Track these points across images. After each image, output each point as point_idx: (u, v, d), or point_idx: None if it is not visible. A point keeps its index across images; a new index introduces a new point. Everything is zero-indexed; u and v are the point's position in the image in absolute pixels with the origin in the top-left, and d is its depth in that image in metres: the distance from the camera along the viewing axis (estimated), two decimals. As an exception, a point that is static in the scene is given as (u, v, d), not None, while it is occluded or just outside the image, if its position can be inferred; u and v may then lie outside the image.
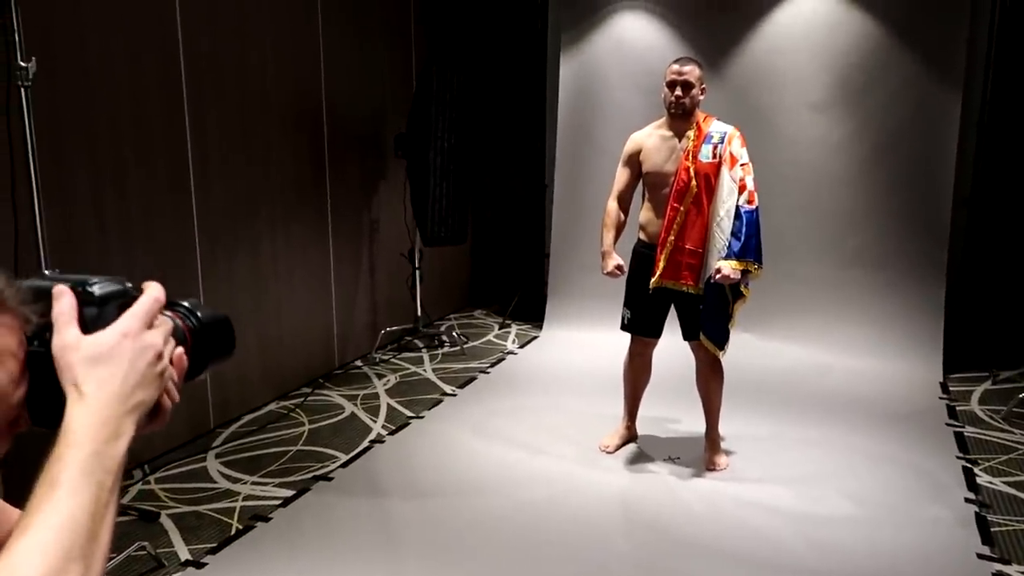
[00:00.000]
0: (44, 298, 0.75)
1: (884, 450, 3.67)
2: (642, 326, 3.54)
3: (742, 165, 3.29)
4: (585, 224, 5.62)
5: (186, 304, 0.85)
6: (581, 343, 5.28)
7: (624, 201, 3.58)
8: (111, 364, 0.72)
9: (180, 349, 0.81)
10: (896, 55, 4.89)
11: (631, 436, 3.76)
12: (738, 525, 3.03)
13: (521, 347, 5.38)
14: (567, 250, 5.68)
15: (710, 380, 3.48)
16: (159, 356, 0.77)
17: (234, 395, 4.09)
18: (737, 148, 3.31)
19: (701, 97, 3.37)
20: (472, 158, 5.39)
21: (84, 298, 0.75)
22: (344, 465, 3.56)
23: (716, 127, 3.36)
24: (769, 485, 3.34)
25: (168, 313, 0.81)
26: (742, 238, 3.22)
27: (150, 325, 0.76)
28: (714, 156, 3.29)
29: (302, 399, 4.39)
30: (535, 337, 5.56)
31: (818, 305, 5.08)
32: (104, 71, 3.25)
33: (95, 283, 0.76)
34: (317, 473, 3.47)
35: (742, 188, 3.26)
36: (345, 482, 3.40)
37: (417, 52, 5.58)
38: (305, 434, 3.92)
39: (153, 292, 0.77)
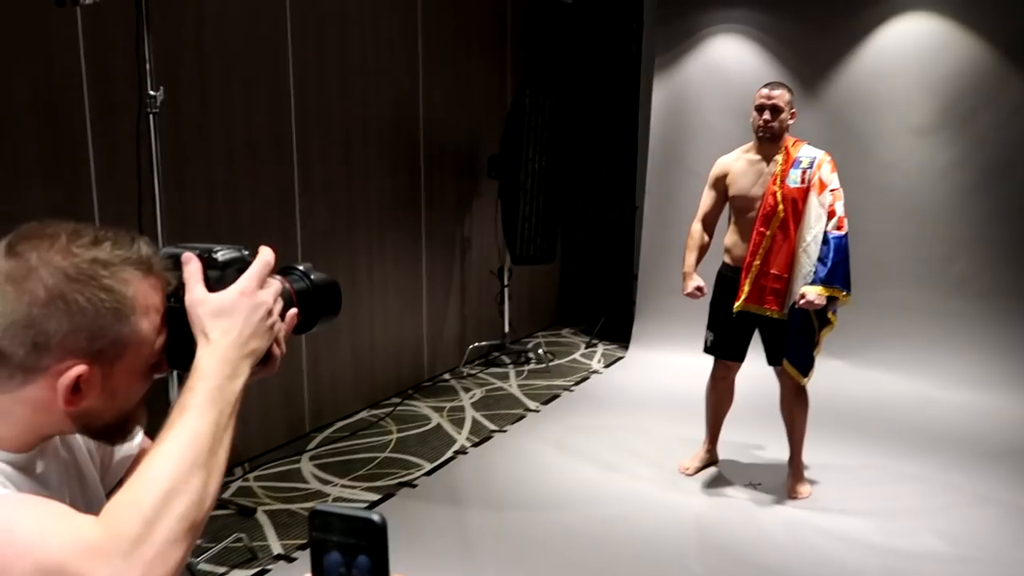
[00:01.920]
0: (180, 265, 0.91)
1: (982, 488, 3.52)
2: (724, 349, 3.54)
3: (832, 191, 3.25)
4: (674, 247, 5.62)
5: (301, 268, 1.01)
6: (666, 365, 5.28)
7: (709, 224, 3.60)
8: (231, 317, 0.89)
9: (293, 310, 0.97)
10: (1006, 79, 4.71)
11: (712, 460, 3.75)
12: (818, 556, 2.98)
13: (606, 367, 5.41)
14: (655, 272, 5.69)
15: (794, 407, 3.44)
16: (269, 312, 0.93)
17: (328, 402, 4.31)
18: (827, 173, 3.27)
19: (791, 121, 3.36)
20: (562, 179, 5.50)
21: (209, 263, 0.91)
22: (428, 473, 3.69)
23: (805, 152, 3.34)
24: (853, 517, 3.26)
25: (278, 277, 0.97)
26: (828, 264, 3.18)
27: (262, 285, 0.93)
28: (803, 181, 3.28)
29: (392, 408, 4.57)
30: (620, 357, 5.59)
31: (917, 334, 4.91)
32: (222, 99, 3.54)
33: (218, 250, 0.92)
34: (402, 480, 3.62)
35: (831, 214, 3.23)
36: (428, 490, 3.53)
37: (512, 75, 5.74)
38: (393, 442, 4.09)
39: (264, 256, 0.94)
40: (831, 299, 3.21)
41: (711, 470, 3.71)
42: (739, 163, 3.48)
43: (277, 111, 3.84)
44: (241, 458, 3.74)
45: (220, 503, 3.31)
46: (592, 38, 6.39)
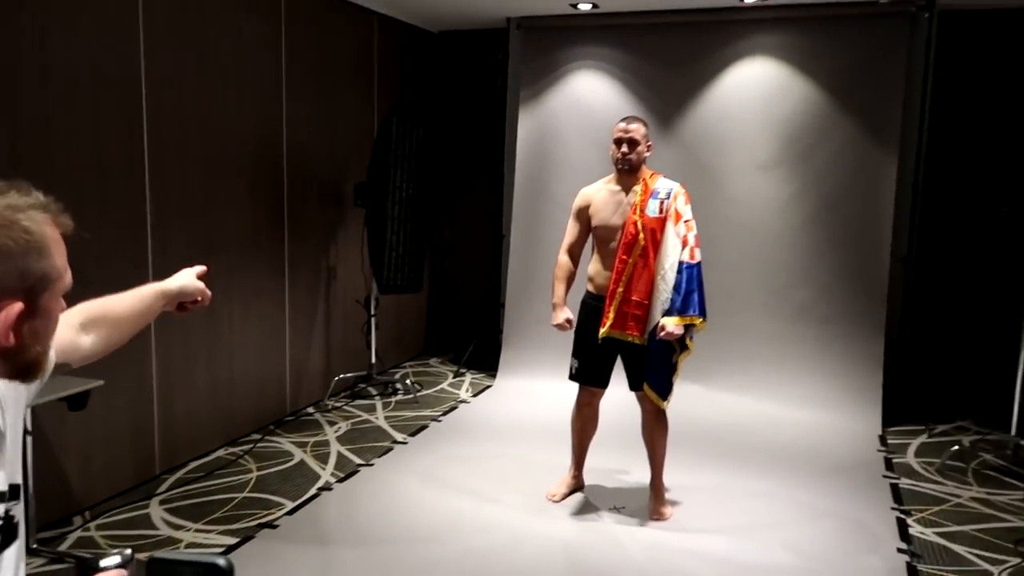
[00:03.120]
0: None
1: (824, 502, 3.76)
2: (589, 376, 3.62)
3: (686, 221, 3.41)
4: (540, 275, 5.74)
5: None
6: (534, 393, 5.34)
7: (574, 254, 3.70)
8: None
9: None
10: (837, 120, 5.14)
11: (578, 485, 3.81)
12: (681, 575, 3.08)
13: (474, 396, 5.41)
14: (522, 300, 5.78)
15: (654, 431, 3.56)
16: None
17: (182, 440, 4.06)
18: (681, 204, 3.43)
19: (647, 154, 3.51)
20: (430, 207, 5.50)
21: None
22: (290, 513, 3.54)
23: (662, 183, 3.49)
24: (713, 535, 3.40)
25: None
26: (682, 292, 3.32)
27: None
28: (661, 211, 3.42)
29: (251, 445, 4.36)
30: (489, 386, 5.61)
31: (764, 358, 5.22)
32: (64, 113, 3.29)
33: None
34: (262, 520, 3.45)
35: (684, 243, 3.38)
36: (290, 530, 3.38)
37: (380, 102, 5.70)
38: (253, 481, 3.90)
39: None
40: (689, 326, 3.36)
41: (578, 496, 3.76)
42: (601, 193, 3.59)
43: (128, 132, 3.62)
44: (81, 505, 3.45)
45: (54, 557, 3.04)
46: (459, 69, 6.46)
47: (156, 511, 3.53)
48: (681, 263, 3.35)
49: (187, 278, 1.56)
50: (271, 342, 4.73)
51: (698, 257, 3.39)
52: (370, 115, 5.64)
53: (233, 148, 4.29)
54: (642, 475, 3.72)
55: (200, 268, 1.59)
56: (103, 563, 0.95)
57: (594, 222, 3.59)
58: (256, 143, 4.48)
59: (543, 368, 5.54)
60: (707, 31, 5.40)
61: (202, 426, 4.19)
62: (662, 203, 3.42)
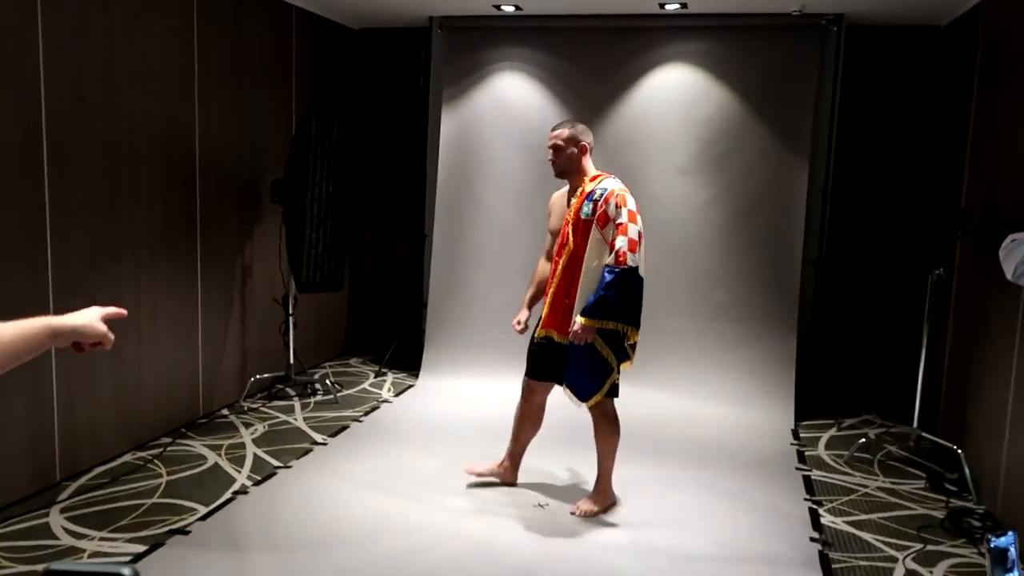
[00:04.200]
0: None
1: (741, 494, 3.86)
2: (531, 368, 3.65)
3: (618, 225, 3.34)
4: (463, 275, 5.72)
5: None
6: (456, 392, 5.31)
7: (549, 257, 3.70)
8: None
9: None
10: (751, 127, 5.30)
11: (507, 479, 3.79)
12: (605, 569, 3.10)
13: (397, 395, 5.34)
14: (445, 300, 5.74)
15: (596, 429, 3.56)
16: None
17: (84, 445, 3.85)
18: (612, 208, 3.37)
19: (580, 155, 3.50)
20: (351, 206, 5.40)
21: None
22: (203, 518, 3.40)
23: (602, 185, 3.45)
24: (636, 529, 3.44)
25: None
26: (596, 296, 3.33)
27: None
28: (593, 213, 3.41)
29: (161, 449, 4.18)
30: (411, 386, 5.54)
31: (683, 357, 5.33)
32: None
33: None
34: (174, 527, 3.30)
35: (611, 247, 3.35)
36: (203, 536, 3.24)
37: (298, 99, 5.57)
38: (163, 486, 3.73)
39: None
40: (613, 332, 3.36)
41: (502, 494, 3.74)
42: (560, 197, 3.66)
43: (25, 125, 3.41)
44: (-28, 516, 3.23)
45: (-57, 570, 2.83)
46: (380, 66, 6.38)
47: (56, 520, 3.33)
48: (605, 267, 3.34)
49: (88, 318, 1.35)
50: (183, 343, 4.55)
51: (630, 262, 3.31)
52: (288, 112, 5.50)
53: (142, 145, 4.10)
54: (575, 474, 3.73)
55: (111, 310, 1.40)
56: None
57: (550, 226, 3.67)
58: (166, 139, 4.30)
59: (466, 368, 5.51)
60: (629, 36, 5.49)
61: (107, 430, 3.99)
62: (595, 205, 3.41)
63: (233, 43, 4.82)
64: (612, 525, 3.47)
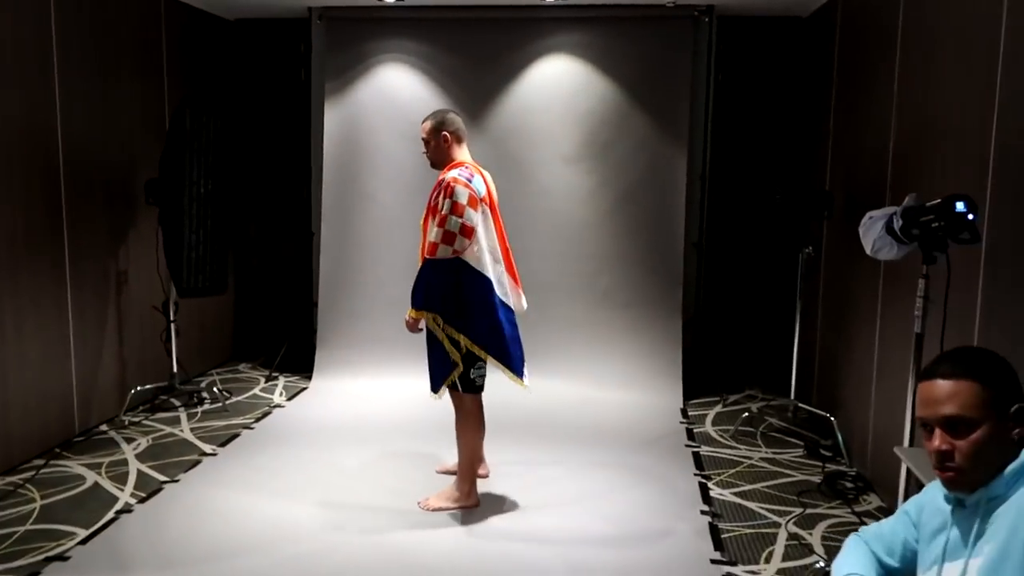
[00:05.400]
0: None
1: (634, 473, 3.98)
2: None
3: (440, 214, 3.28)
4: (353, 272, 5.63)
5: None
6: (351, 392, 5.23)
7: None
8: None
9: None
10: (632, 115, 5.44)
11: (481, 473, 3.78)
12: (500, 558, 3.13)
13: (289, 399, 5.20)
14: (336, 298, 5.63)
15: (455, 421, 3.56)
16: None
17: (-55, 473, 3.56)
18: (440, 197, 3.32)
19: (446, 144, 3.48)
20: (231, 204, 5.20)
21: None
22: (83, 542, 3.21)
23: (448, 173, 3.38)
24: (535, 516, 3.49)
25: None
26: (414, 284, 3.37)
27: None
28: (434, 201, 3.40)
29: (34, 472, 3.92)
30: (304, 388, 5.41)
31: (573, 342, 5.44)
32: None
33: None
34: (50, 554, 3.10)
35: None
36: (84, 560, 3.07)
37: (171, 93, 5.31)
38: (36, 511, 3.50)
39: None
40: (451, 338, 3.36)
41: (393, 495, 3.70)
42: None
43: None
44: None
45: None
46: (258, 59, 6.16)
47: (-85, 556, 3.08)
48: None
49: None
50: (53, 355, 4.27)
51: (440, 254, 3.26)
52: (160, 106, 5.24)
53: (-4, 140, 3.81)
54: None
55: None
56: None
57: None
58: (24, 135, 4.02)
59: (360, 367, 5.44)
60: (511, 28, 5.53)
61: (-29, 455, 3.71)
62: (438, 193, 3.38)
63: (96, 33, 4.53)
64: (507, 512, 3.51)
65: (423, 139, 3.53)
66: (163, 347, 5.07)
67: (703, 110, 5.59)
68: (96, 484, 3.80)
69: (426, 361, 3.53)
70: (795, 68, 5.61)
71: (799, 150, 5.52)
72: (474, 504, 3.54)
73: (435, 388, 3.48)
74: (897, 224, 2.84)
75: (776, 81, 5.71)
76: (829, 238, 4.69)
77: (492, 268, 3.42)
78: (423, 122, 3.55)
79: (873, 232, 2.98)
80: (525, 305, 3.66)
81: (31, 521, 3.40)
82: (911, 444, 2.87)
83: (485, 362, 3.46)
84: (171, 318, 5.00)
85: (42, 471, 3.94)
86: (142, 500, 3.61)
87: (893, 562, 1.68)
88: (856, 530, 1.82)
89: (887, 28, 3.82)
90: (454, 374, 3.41)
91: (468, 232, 3.30)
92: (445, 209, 3.28)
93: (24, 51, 4.00)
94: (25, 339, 4.04)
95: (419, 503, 3.54)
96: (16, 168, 3.96)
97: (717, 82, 5.61)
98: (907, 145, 3.56)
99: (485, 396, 3.56)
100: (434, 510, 3.50)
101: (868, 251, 3.05)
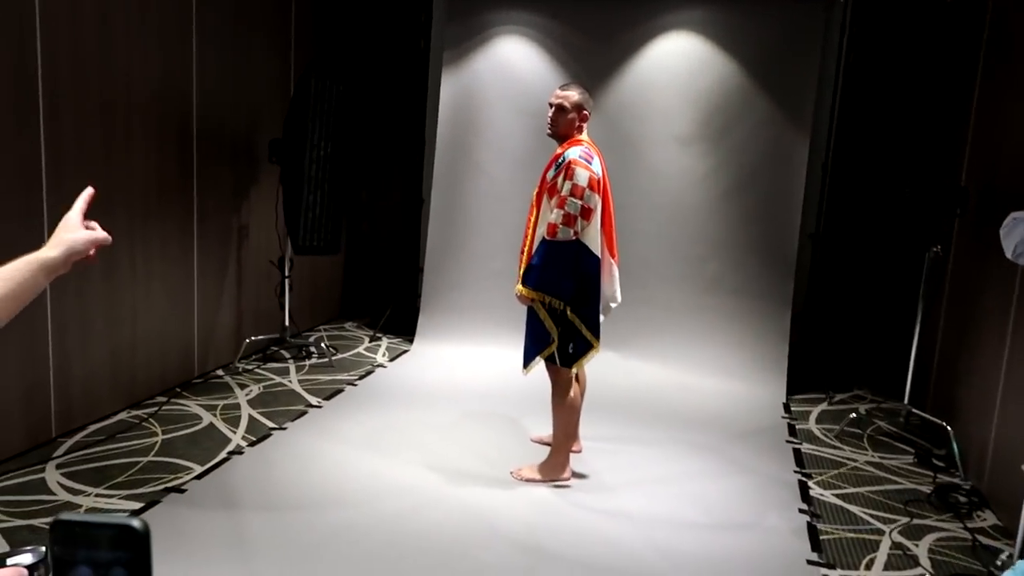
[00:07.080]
0: None
1: (731, 464, 3.90)
2: None
3: (560, 196, 3.25)
4: (460, 241, 5.70)
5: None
6: (451, 358, 5.32)
7: None
8: None
9: None
10: (753, 97, 5.26)
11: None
12: (594, 535, 3.14)
13: (391, 360, 5.35)
14: (441, 266, 5.73)
15: (551, 396, 3.55)
16: None
17: (79, 403, 3.85)
18: (561, 178, 3.27)
19: (580, 122, 3.43)
20: (348, 169, 5.36)
21: None
22: (199, 477, 3.42)
23: (570, 152, 3.33)
24: (625, 495, 3.48)
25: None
26: (529, 263, 3.33)
27: None
28: (553, 180, 3.36)
29: (156, 408, 4.19)
30: (405, 351, 5.55)
31: (677, 327, 5.35)
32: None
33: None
34: (169, 485, 3.32)
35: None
36: (199, 494, 3.27)
37: (297, 58, 5.49)
38: (158, 444, 3.74)
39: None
40: (559, 313, 3.33)
41: (486, 461, 3.76)
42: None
43: (22, 75, 3.35)
44: (-32, 470, 3.24)
45: (-60, 523, 2.84)
46: (381, 28, 6.29)
47: (52, 475, 3.35)
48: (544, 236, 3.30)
49: (70, 233, 1.23)
50: (177, 302, 4.54)
51: (560, 236, 3.23)
52: (287, 69, 5.43)
53: (137, 95, 4.04)
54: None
55: (81, 203, 1.29)
56: (10, 561, 0.86)
57: None
58: (163, 91, 4.24)
59: (461, 334, 5.53)
60: (633, 3, 5.42)
61: (101, 388, 4.00)
62: (558, 171, 3.34)
63: (231, -1, 4.74)
64: (599, 491, 3.50)
65: (560, 106, 3.38)
66: (277, 301, 5.29)
67: (830, 95, 5.34)
68: (211, 424, 4.03)
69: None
70: (935, 53, 5.27)
71: (933, 142, 5.21)
72: (567, 478, 3.55)
73: (525, 362, 3.48)
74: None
75: (912, 67, 5.38)
76: (960, 238, 4.42)
77: (602, 253, 3.41)
78: (565, 89, 3.43)
79: (1016, 234, 2.78)
80: (619, 299, 3.60)
81: (153, 453, 3.64)
82: (1039, 461, 2.69)
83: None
84: (286, 274, 5.21)
85: (164, 408, 4.21)
86: (252, 443, 3.81)
87: None
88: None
89: (1047, 14, 3.53)
90: (549, 349, 3.41)
91: (587, 214, 3.27)
92: (565, 191, 3.24)
93: (167, 18, 4.22)
94: (154, 286, 4.31)
95: (511, 472, 3.59)
96: (154, 125, 4.20)
97: (848, 65, 5.34)
98: (1060, 142, 3.30)
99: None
100: (526, 480, 3.54)
101: (1008, 255, 2.85)
